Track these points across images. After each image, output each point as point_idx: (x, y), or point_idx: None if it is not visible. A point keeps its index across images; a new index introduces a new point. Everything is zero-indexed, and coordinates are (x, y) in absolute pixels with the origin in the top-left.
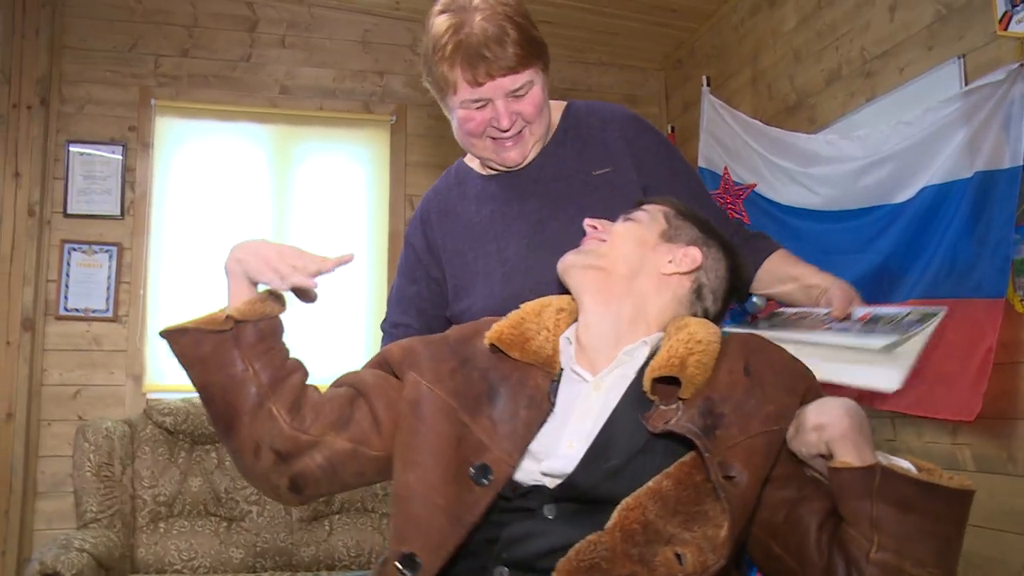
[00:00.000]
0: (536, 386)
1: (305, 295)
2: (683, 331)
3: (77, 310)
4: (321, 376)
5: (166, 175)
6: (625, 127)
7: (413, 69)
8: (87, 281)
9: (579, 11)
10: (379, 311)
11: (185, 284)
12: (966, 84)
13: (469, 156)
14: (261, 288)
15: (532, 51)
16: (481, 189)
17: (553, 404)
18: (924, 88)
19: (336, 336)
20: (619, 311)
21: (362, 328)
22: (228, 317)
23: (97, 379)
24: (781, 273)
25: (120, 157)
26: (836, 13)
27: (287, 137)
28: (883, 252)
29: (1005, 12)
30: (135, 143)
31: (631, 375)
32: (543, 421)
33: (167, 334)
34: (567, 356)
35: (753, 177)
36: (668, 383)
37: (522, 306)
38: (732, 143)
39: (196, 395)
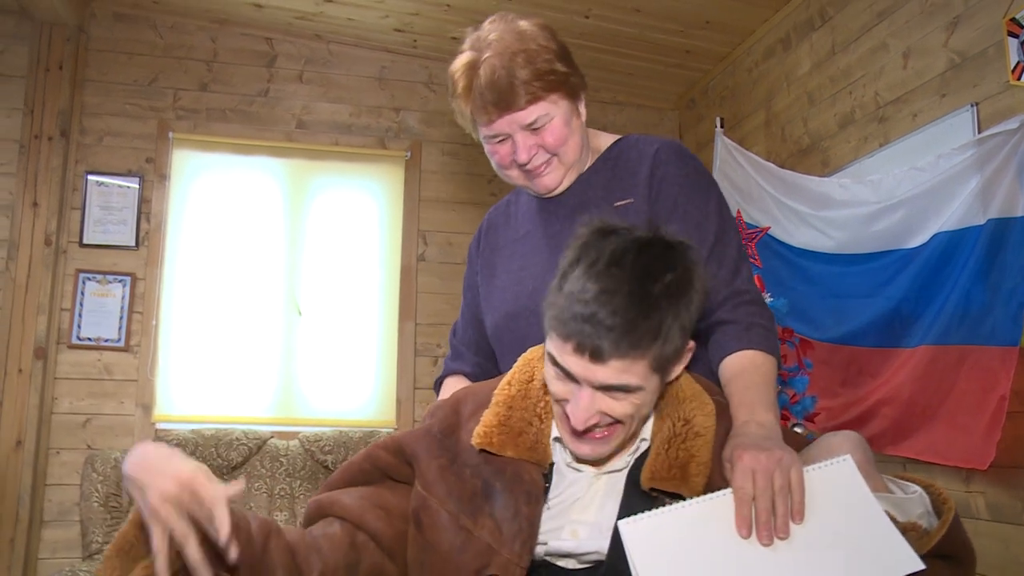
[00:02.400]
0: (532, 480)
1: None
2: (676, 411)
3: (89, 339)
4: (331, 411)
5: (182, 207)
6: (657, 156)
7: (428, 105)
8: (100, 310)
9: (594, 51)
10: (391, 344)
11: (197, 316)
12: (979, 132)
13: None
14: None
15: (545, 85)
16: (527, 208)
17: (547, 496)
18: (937, 135)
19: (347, 370)
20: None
21: (373, 362)
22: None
23: (107, 408)
24: (726, 383)
25: (137, 188)
26: (850, 58)
27: (302, 171)
28: (895, 297)
29: (1018, 62)
30: (152, 175)
31: (630, 461)
32: (541, 514)
33: None
34: (559, 451)
35: (766, 219)
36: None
37: (503, 385)
38: (745, 184)
39: (205, 426)
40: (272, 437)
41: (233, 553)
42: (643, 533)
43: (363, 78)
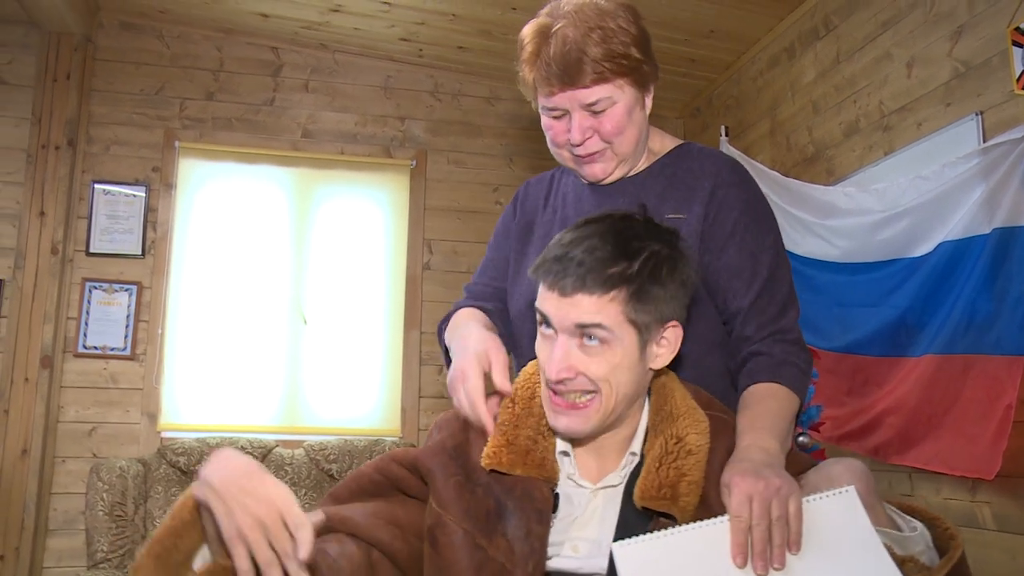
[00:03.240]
0: (542, 498)
1: None
2: (669, 428)
3: (95, 348)
4: (336, 419)
5: (188, 216)
6: (718, 176)
7: (434, 115)
8: (106, 319)
9: None
10: (396, 353)
11: (203, 325)
12: (984, 141)
13: None
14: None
15: (615, 68)
16: (573, 192)
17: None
18: (942, 143)
19: (352, 379)
20: (621, 421)
21: (378, 371)
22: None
23: (112, 417)
24: (741, 409)
25: (143, 197)
26: (855, 67)
27: (308, 180)
28: (900, 306)
29: (1023, 71)
30: (158, 184)
31: (624, 478)
32: (548, 531)
33: None
34: (565, 466)
35: None
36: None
37: (506, 404)
38: None
39: (210, 435)
40: (277, 446)
41: None
42: (636, 557)
43: (369, 87)
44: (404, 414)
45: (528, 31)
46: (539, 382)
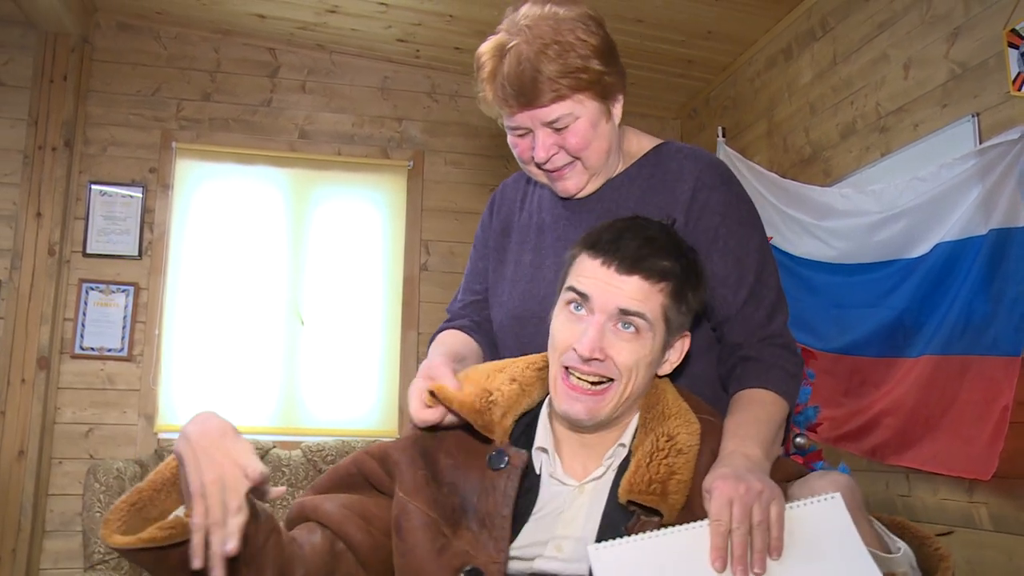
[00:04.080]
0: (504, 492)
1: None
2: (660, 427)
3: (92, 349)
4: (333, 420)
5: (185, 217)
6: (698, 179)
7: (431, 115)
8: (103, 320)
9: None
10: (393, 354)
11: (200, 326)
12: (981, 142)
13: None
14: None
15: (573, 83)
16: (545, 195)
17: (532, 504)
18: (939, 145)
19: (350, 380)
20: (618, 419)
21: (375, 372)
22: (171, 531)
23: (109, 418)
24: (729, 414)
25: (140, 198)
26: (851, 69)
27: (305, 181)
28: (897, 307)
29: (1019, 73)
30: (155, 185)
31: (610, 477)
32: (522, 523)
33: (125, 553)
34: (544, 464)
35: (767, 228)
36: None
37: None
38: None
39: None
40: (274, 447)
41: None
42: (612, 560)
43: (366, 88)
44: (402, 415)
45: (485, 49)
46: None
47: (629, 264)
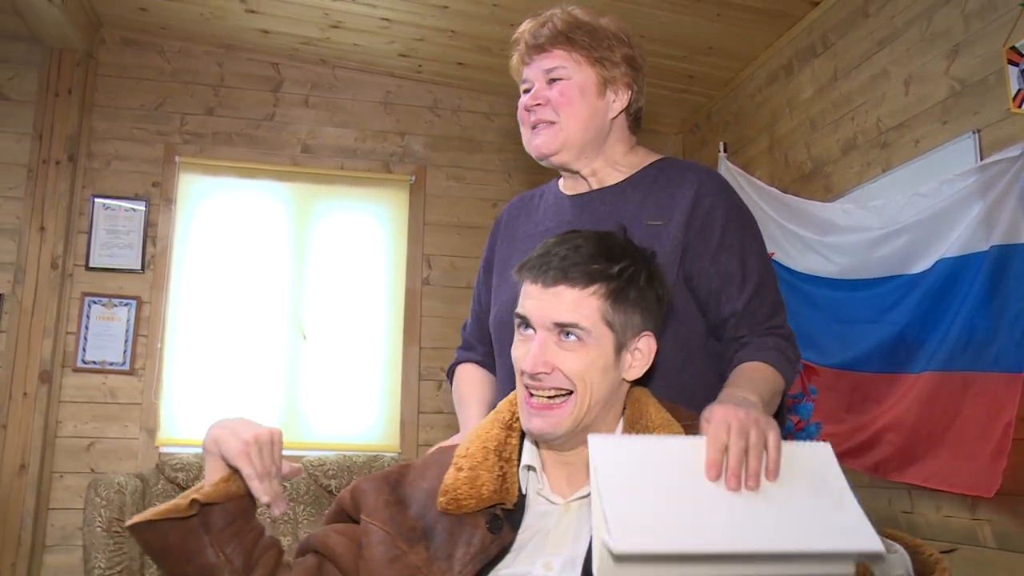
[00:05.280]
0: (475, 523)
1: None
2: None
3: (94, 362)
4: (335, 435)
5: (187, 231)
6: (700, 185)
7: (433, 130)
8: (105, 334)
9: None
10: (395, 368)
11: (202, 340)
12: (981, 158)
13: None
14: None
15: (572, 40)
16: (551, 204)
17: (514, 533)
18: (940, 161)
19: (351, 394)
20: (597, 431)
21: (377, 386)
22: (193, 501)
23: (111, 432)
24: (727, 384)
25: (143, 212)
26: (852, 85)
27: (308, 195)
28: (899, 323)
29: (1019, 90)
30: (158, 199)
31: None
32: (489, 556)
33: (132, 528)
34: (532, 483)
35: (769, 243)
36: None
37: (465, 448)
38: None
39: None
40: None
41: (277, 509)
42: (611, 449)
43: (368, 103)
44: (403, 429)
45: (520, 28)
46: (487, 449)
47: (553, 277)
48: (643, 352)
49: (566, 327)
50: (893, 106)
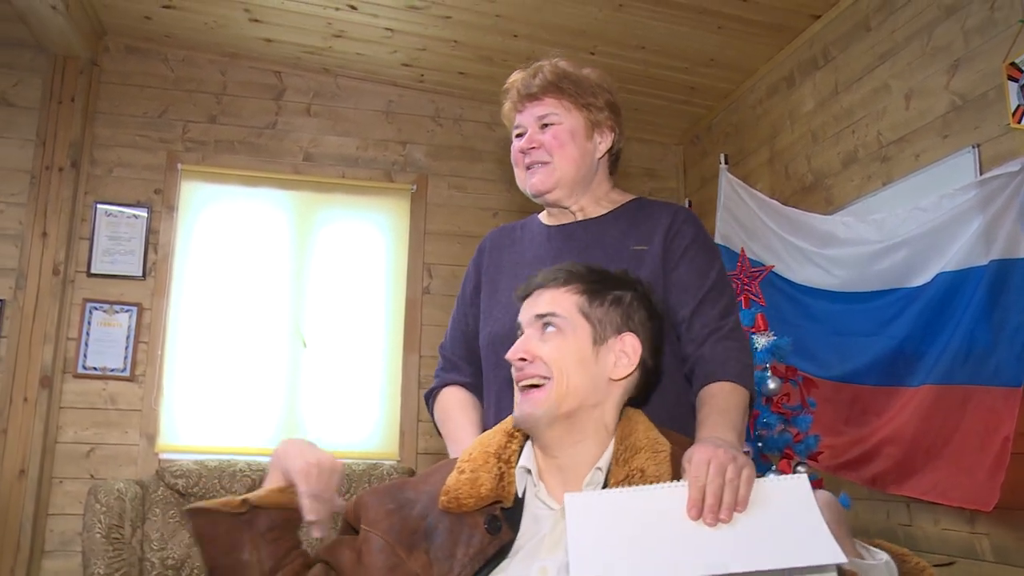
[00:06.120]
0: (475, 523)
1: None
2: (633, 461)
3: (95, 368)
4: (335, 443)
5: (189, 238)
6: (674, 215)
7: (435, 139)
8: (106, 340)
9: None
10: (395, 376)
11: (202, 347)
12: (981, 173)
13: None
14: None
15: (561, 88)
16: (536, 233)
17: (513, 534)
18: (940, 175)
19: (351, 402)
20: (584, 437)
21: (377, 394)
22: (245, 500)
23: (111, 438)
24: (698, 410)
25: (145, 219)
26: (853, 98)
27: (309, 203)
28: (898, 336)
29: (1019, 105)
30: (160, 206)
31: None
32: (487, 555)
33: (189, 512)
34: (528, 486)
35: (769, 255)
36: None
37: (468, 453)
38: (749, 221)
39: (208, 457)
40: None
41: (319, 532)
42: (585, 507)
43: (370, 112)
44: (403, 437)
45: (516, 73)
46: (489, 453)
47: (535, 286)
48: (627, 353)
49: (544, 317)
50: (894, 120)
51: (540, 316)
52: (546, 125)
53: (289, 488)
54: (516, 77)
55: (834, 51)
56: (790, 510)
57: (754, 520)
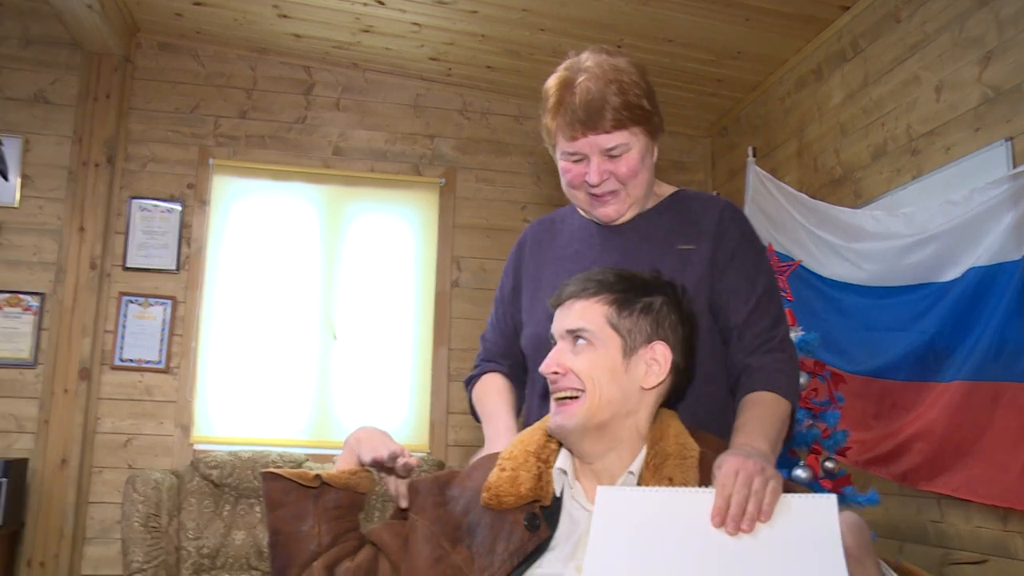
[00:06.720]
0: (515, 520)
1: (383, 467)
2: (663, 469)
3: (131, 360)
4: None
5: (221, 231)
6: (722, 212)
7: (463, 132)
8: (142, 332)
9: None
10: (425, 369)
11: (235, 339)
12: (1014, 167)
13: None
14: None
15: (631, 116)
16: (578, 227)
17: (552, 531)
18: (971, 168)
19: (381, 394)
20: (618, 444)
21: (407, 386)
22: (317, 476)
23: (147, 428)
24: (737, 416)
25: (178, 213)
26: (882, 90)
27: (339, 197)
28: (929, 331)
29: None
30: (193, 200)
31: None
32: (526, 551)
33: (266, 475)
34: (565, 488)
35: (797, 249)
36: None
37: (509, 451)
38: (777, 214)
39: (242, 448)
40: (307, 460)
41: (404, 502)
42: (616, 501)
43: (399, 106)
44: (433, 429)
45: (552, 83)
46: (528, 452)
47: (566, 296)
48: (658, 361)
49: (575, 332)
50: (924, 112)
51: (571, 331)
52: (614, 156)
53: (359, 472)
54: (558, 95)
55: (863, 43)
56: (811, 530)
57: (773, 535)
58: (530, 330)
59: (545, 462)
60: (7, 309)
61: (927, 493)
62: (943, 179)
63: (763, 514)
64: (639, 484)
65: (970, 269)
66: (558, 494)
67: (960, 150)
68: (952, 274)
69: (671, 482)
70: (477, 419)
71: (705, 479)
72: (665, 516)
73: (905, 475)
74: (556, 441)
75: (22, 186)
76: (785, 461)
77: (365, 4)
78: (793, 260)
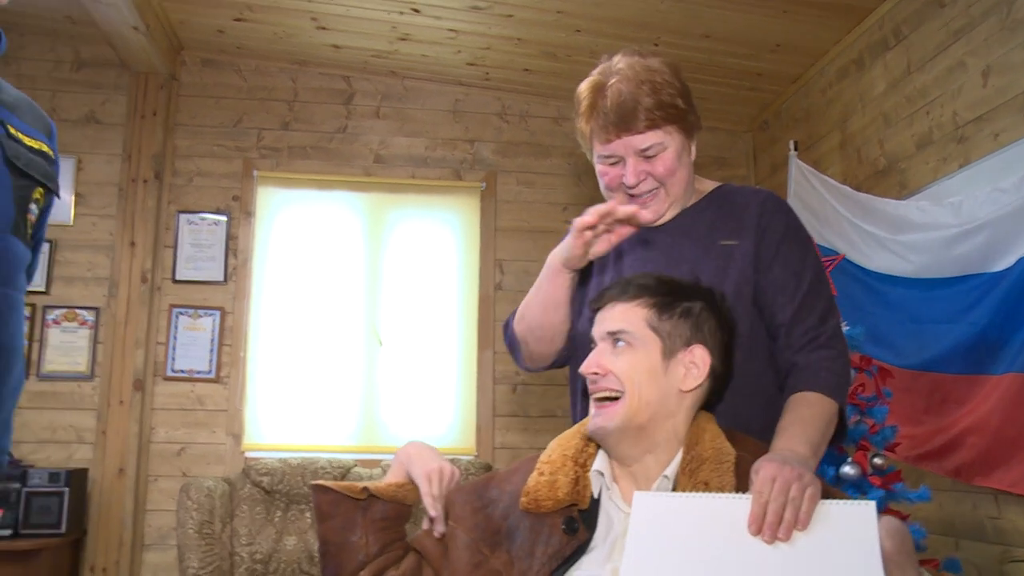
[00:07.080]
0: (553, 524)
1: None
2: (698, 473)
3: (183, 371)
4: (412, 438)
5: (266, 242)
6: (763, 204)
7: (502, 136)
8: (192, 344)
9: None
10: (470, 372)
11: (282, 347)
12: None
13: None
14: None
15: (664, 115)
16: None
17: (590, 533)
18: (1021, 155)
19: (428, 398)
20: (655, 447)
21: (453, 390)
22: (365, 488)
23: (200, 437)
24: (781, 416)
25: (225, 225)
26: (926, 78)
27: (381, 204)
28: (979, 323)
29: None
30: (238, 212)
31: None
32: (564, 555)
33: (315, 487)
34: (604, 489)
35: (841, 242)
36: None
37: (548, 455)
38: (820, 208)
39: (292, 455)
40: (356, 465)
41: (439, 528)
42: (654, 507)
43: (438, 111)
44: (479, 433)
45: (584, 88)
46: (566, 457)
47: (608, 299)
48: (697, 364)
49: (615, 334)
50: (971, 98)
51: (611, 333)
52: (650, 156)
53: (406, 485)
54: (591, 99)
55: (905, 30)
56: (849, 538)
57: (811, 542)
58: (578, 325)
59: (583, 466)
60: (65, 324)
61: (983, 489)
62: (991, 166)
63: (800, 522)
64: (674, 488)
65: (1021, 258)
66: (596, 496)
67: (1009, 136)
68: (1003, 264)
69: (707, 486)
70: (516, 353)
71: (742, 483)
72: (701, 523)
73: (959, 470)
74: (594, 445)
75: (76, 204)
76: (832, 458)
77: (401, 13)
78: (836, 254)
